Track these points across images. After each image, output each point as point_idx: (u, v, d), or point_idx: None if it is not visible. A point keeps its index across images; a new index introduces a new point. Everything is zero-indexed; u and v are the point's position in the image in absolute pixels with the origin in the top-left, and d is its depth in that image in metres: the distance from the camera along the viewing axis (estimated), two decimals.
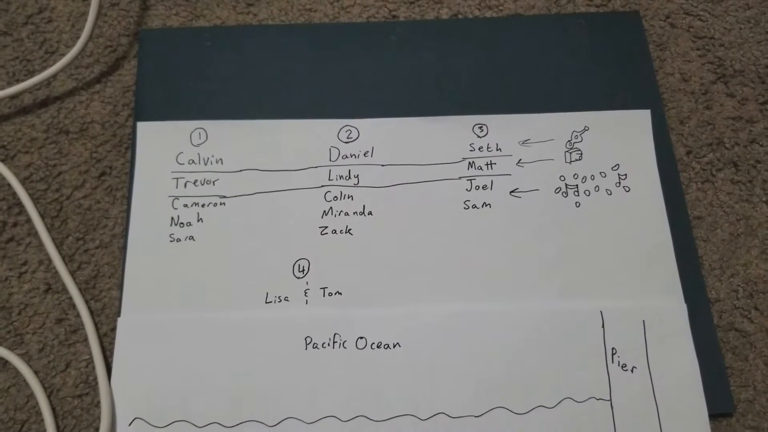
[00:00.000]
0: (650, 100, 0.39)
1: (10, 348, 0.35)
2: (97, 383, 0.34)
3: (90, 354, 0.34)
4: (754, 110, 0.40)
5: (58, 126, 0.39)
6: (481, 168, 0.38)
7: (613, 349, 0.34)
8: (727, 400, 0.34)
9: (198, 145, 0.38)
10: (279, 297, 0.35)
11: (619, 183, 0.37)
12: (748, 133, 0.39)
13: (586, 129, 0.39)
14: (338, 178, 0.38)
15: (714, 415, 0.33)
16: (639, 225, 0.36)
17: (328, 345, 0.34)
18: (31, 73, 0.40)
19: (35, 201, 0.38)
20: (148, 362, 0.34)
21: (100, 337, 0.35)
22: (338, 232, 0.36)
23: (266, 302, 0.35)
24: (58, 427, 0.33)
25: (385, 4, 0.42)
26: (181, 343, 0.34)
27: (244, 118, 0.39)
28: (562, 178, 0.38)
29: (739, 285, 0.36)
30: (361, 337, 0.34)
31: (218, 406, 0.33)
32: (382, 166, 0.38)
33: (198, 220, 0.37)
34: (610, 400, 0.33)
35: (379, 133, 0.39)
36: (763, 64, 0.41)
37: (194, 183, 0.38)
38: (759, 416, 0.34)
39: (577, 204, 0.37)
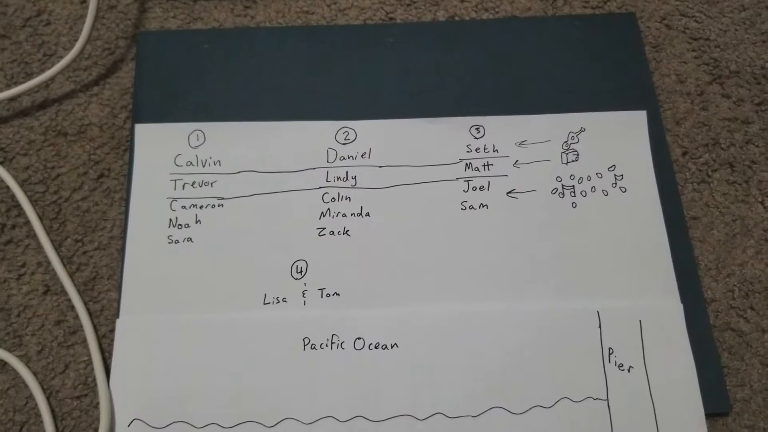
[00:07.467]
0: (646, 101, 0.40)
1: (9, 349, 0.35)
2: (96, 384, 0.34)
3: (89, 355, 0.34)
4: (749, 111, 0.40)
5: (56, 128, 0.39)
6: (478, 169, 0.38)
7: (609, 348, 0.34)
8: (724, 399, 0.34)
9: (196, 147, 0.38)
10: (277, 298, 0.35)
11: (616, 184, 0.38)
12: (743, 133, 0.40)
13: (582, 130, 0.39)
14: (336, 179, 0.38)
15: (710, 415, 0.33)
16: (635, 225, 0.37)
17: (326, 346, 0.34)
18: (29, 76, 0.41)
19: (34, 203, 0.38)
20: (146, 363, 0.34)
21: (99, 339, 0.35)
22: (336, 233, 0.37)
23: (264, 303, 0.35)
24: (57, 428, 0.33)
25: (382, 6, 0.42)
26: (179, 344, 0.34)
27: (241, 119, 0.39)
28: (559, 179, 0.38)
29: (735, 285, 0.36)
30: (359, 338, 0.34)
31: (217, 407, 0.33)
32: (380, 167, 0.38)
33: (196, 222, 0.37)
34: (607, 399, 0.33)
35: (377, 134, 0.39)
36: (759, 65, 0.41)
37: (192, 185, 0.38)
38: (755, 415, 0.34)
39: (574, 205, 0.37)
